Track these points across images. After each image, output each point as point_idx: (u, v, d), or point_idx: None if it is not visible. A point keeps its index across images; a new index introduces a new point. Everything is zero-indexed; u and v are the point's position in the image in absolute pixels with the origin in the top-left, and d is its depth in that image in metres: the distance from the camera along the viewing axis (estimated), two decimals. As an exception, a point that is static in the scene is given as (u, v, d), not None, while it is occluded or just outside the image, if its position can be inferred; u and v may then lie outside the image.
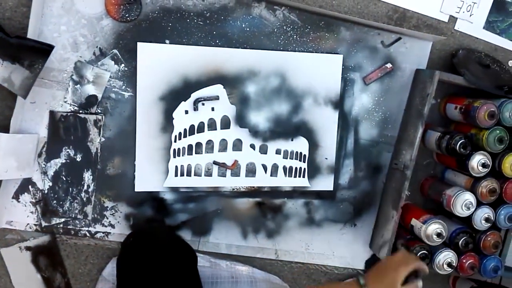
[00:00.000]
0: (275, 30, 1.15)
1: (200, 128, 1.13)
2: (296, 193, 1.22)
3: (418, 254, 1.15)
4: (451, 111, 1.22)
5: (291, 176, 1.19)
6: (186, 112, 1.12)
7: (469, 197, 1.16)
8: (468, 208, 1.15)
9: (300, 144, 1.19)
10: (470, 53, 1.25)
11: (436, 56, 1.26)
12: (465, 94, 1.21)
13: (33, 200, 1.10)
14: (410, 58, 1.23)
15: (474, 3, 1.23)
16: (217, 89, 1.13)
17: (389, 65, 1.22)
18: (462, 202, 1.15)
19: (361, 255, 1.31)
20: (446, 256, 1.17)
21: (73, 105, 1.08)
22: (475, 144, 1.17)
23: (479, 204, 1.17)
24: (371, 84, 1.22)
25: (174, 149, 1.13)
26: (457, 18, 1.25)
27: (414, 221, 1.17)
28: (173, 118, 1.11)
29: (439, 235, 1.13)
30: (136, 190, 1.13)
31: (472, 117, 1.14)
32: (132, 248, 1.02)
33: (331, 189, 1.23)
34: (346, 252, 1.29)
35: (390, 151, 1.26)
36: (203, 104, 1.12)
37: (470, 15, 1.24)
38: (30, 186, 1.09)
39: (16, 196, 1.09)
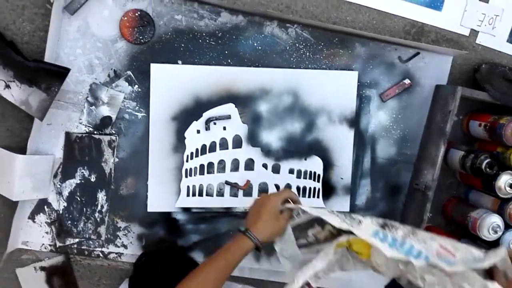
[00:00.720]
0: (288, 48, 1.14)
1: (212, 148, 1.12)
2: (310, 214, 1.18)
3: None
4: (475, 128, 1.16)
5: (305, 197, 1.16)
6: (198, 131, 1.12)
7: (496, 219, 1.09)
8: (496, 232, 1.09)
9: (314, 164, 1.16)
10: (493, 68, 1.19)
11: (457, 71, 1.20)
12: (489, 111, 1.15)
13: (48, 221, 1.11)
14: (430, 74, 1.18)
15: (497, 15, 1.18)
16: (229, 108, 1.12)
17: (407, 81, 1.18)
18: (489, 225, 1.08)
19: (380, 279, 1.23)
20: (472, 283, 1.09)
21: (88, 126, 1.10)
22: (502, 163, 1.11)
23: (507, 227, 1.10)
24: (388, 100, 1.18)
25: (186, 169, 1.12)
26: (478, 32, 1.20)
27: (436, 245, 1.11)
28: (185, 138, 1.11)
29: (464, 260, 1.07)
30: (148, 210, 1.13)
31: (498, 135, 1.08)
32: (144, 268, 1.02)
33: (347, 210, 1.19)
34: (364, 276, 1.23)
35: (409, 171, 1.20)
36: (214, 124, 1.12)
37: (493, 28, 1.19)
38: (45, 207, 1.11)
39: (32, 217, 1.11)
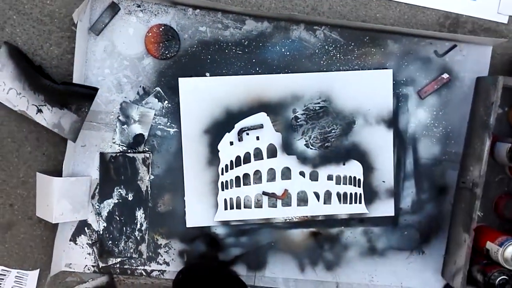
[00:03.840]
0: (317, 51, 1.10)
1: (247, 159, 1.10)
2: (353, 220, 1.14)
3: (498, 280, 1.03)
4: (522, 119, 1.10)
5: (346, 203, 1.12)
6: (231, 143, 1.09)
7: (553, 215, 1.02)
8: (554, 228, 1.02)
9: (353, 168, 1.12)
10: (538, 54, 1.12)
11: (498, 62, 1.14)
12: (537, 100, 1.09)
13: (90, 242, 1.11)
14: (469, 66, 1.12)
15: (538, -2, 1.12)
16: (261, 118, 1.09)
17: (445, 76, 1.12)
18: (546, 221, 1.02)
19: (433, 284, 1.19)
20: (530, 282, 1.03)
21: (121, 145, 1.10)
22: (554, 153, 1.04)
23: None
24: (427, 97, 1.13)
25: (222, 182, 1.10)
26: (518, 18, 1.13)
27: (489, 245, 1.05)
28: (218, 151, 1.09)
29: (519, 258, 1.01)
30: (187, 226, 1.11)
31: (548, 124, 1.02)
32: (182, 285, 1.00)
33: (392, 214, 1.14)
34: (416, 282, 1.18)
35: (455, 169, 1.14)
36: (247, 134, 1.09)
37: (534, 13, 1.12)
38: (85, 228, 1.11)
39: (73, 239, 1.11)
